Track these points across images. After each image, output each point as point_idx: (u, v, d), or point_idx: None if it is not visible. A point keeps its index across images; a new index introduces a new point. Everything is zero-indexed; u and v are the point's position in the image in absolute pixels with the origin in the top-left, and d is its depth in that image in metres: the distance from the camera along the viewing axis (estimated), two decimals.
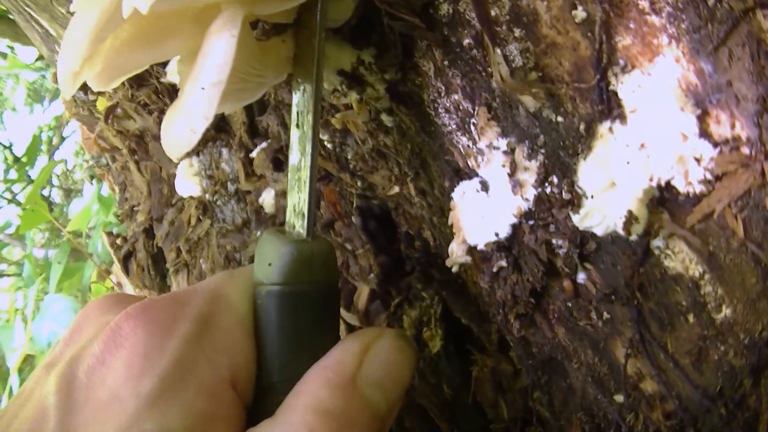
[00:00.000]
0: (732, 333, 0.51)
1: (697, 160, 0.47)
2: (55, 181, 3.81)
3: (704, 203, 0.48)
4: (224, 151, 1.03)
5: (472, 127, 0.58)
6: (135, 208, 1.32)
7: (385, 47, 0.61)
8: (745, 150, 0.46)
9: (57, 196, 3.89)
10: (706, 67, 0.47)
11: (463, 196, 0.59)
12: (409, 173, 0.68)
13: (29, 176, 3.78)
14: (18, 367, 1.91)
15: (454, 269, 0.62)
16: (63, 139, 3.71)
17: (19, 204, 3.76)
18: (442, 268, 0.75)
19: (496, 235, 0.57)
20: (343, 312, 0.87)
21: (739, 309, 0.50)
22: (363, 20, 0.61)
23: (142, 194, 1.25)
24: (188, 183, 1.05)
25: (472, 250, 0.60)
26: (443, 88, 0.59)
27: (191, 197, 1.06)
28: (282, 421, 0.46)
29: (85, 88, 1.32)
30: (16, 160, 3.79)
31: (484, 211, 0.58)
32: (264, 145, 0.96)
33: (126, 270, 1.31)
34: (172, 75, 1.05)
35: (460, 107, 0.58)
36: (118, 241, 1.34)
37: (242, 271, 0.53)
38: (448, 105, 0.59)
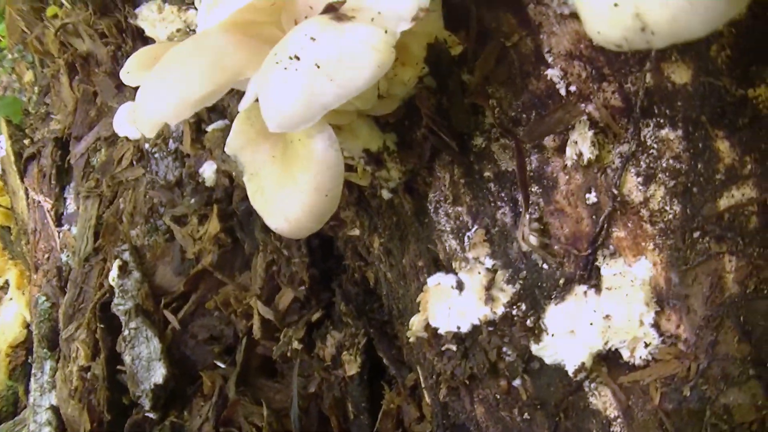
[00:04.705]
0: None
1: (646, 344, 0.61)
2: None
3: (638, 373, 0.63)
4: None
5: (466, 239, 0.69)
6: (51, 115, 1.30)
7: (409, 142, 0.70)
8: (682, 348, 0.61)
9: None
10: (674, 279, 0.61)
11: (438, 285, 0.70)
12: (383, 234, 0.78)
13: None
14: None
15: (411, 339, 0.73)
16: None
17: None
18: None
19: (458, 328, 0.69)
20: (260, 306, 0.96)
21: None
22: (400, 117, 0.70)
23: (66, 108, 1.24)
24: (129, 125, 1.07)
25: (429, 328, 0.72)
26: (451, 197, 0.69)
27: (127, 138, 1.09)
28: None
29: None
30: None
31: (452, 304, 0.69)
32: (221, 124, 1.01)
33: (24, 170, 1.30)
34: (142, 21, 1.06)
35: (460, 218, 0.69)
36: (26, 141, 1.32)
37: None
38: (450, 211, 0.70)
